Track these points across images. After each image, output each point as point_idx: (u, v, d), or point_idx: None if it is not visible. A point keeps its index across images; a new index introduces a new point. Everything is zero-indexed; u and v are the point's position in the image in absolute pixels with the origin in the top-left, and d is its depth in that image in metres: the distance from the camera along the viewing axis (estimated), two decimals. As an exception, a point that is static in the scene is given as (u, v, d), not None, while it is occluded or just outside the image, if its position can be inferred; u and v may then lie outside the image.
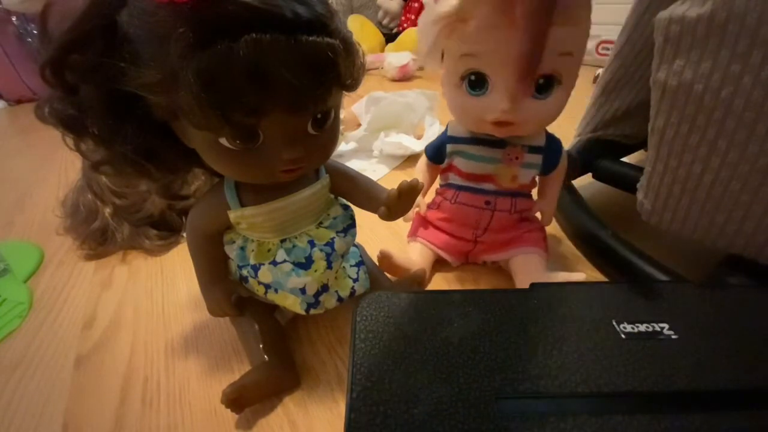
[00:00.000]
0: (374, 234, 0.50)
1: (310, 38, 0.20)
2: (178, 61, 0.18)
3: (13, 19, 1.26)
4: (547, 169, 0.37)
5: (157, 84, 0.20)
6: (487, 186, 0.37)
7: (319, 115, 0.24)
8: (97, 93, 0.21)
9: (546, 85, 0.30)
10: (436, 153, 0.38)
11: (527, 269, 0.38)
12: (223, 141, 0.22)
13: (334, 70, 0.21)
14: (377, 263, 0.39)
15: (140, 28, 0.20)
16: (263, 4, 0.18)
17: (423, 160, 0.40)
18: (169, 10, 0.18)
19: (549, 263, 0.39)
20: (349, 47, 0.23)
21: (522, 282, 0.37)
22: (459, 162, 0.37)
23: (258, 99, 0.20)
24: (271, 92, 0.20)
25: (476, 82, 0.31)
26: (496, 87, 0.30)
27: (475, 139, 0.36)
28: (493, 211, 0.37)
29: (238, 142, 0.22)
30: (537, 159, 0.36)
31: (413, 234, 0.43)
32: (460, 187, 0.38)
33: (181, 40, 0.18)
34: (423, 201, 0.38)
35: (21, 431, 0.30)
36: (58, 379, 0.34)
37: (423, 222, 0.43)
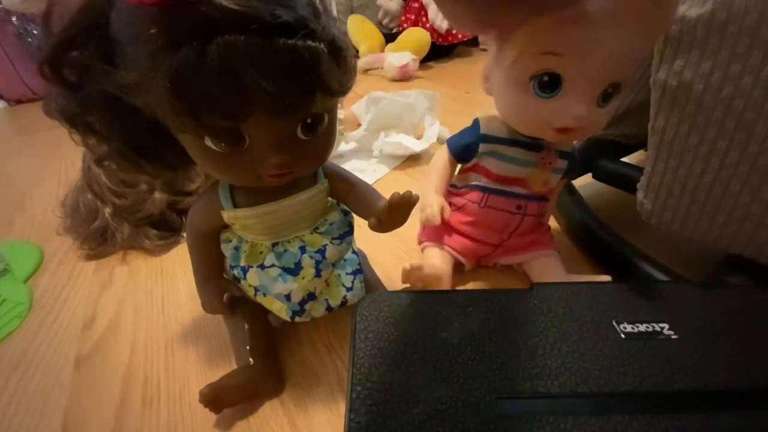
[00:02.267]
0: (377, 236, 0.49)
1: (289, 42, 0.19)
2: (150, 63, 0.18)
3: (13, 19, 1.26)
4: (566, 173, 0.36)
5: (132, 86, 0.20)
6: (518, 190, 0.35)
7: (309, 120, 0.23)
8: (95, 91, 0.21)
9: (611, 93, 0.29)
10: (465, 151, 0.36)
11: (548, 272, 0.37)
12: (209, 143, 0.22)
13: (316, 75, 0.20)
14: (404, 277, 0.35)
15: (120, 29, 0.20)
16: (238, 5, 0.18)
17: (444, 156, 0.37)
18: (141, 11, 0.18)
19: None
20: (337, 51, 0.22)
21: None
22: (490, 163, 0.35)
23: (233, 103, 0.19)
24: (247, 97, 0.19)
25: (549, 84, 0.28)
26: (571, 91, 0.28)
27: (514, 140, 0.34)
28: (523, 215, 0.36)
29: (222, 144, 0.22)
30: (565, 164, 0.35)
31: (432, 238, 0.40)
32: (488, 190, 0.36)
33: (151, 42, 0.18)
34: (447, 206, 0.34)
35: (21, 431, 0.30)
36: (58, 379, 0.34)
37: (443, 226, 0.39)
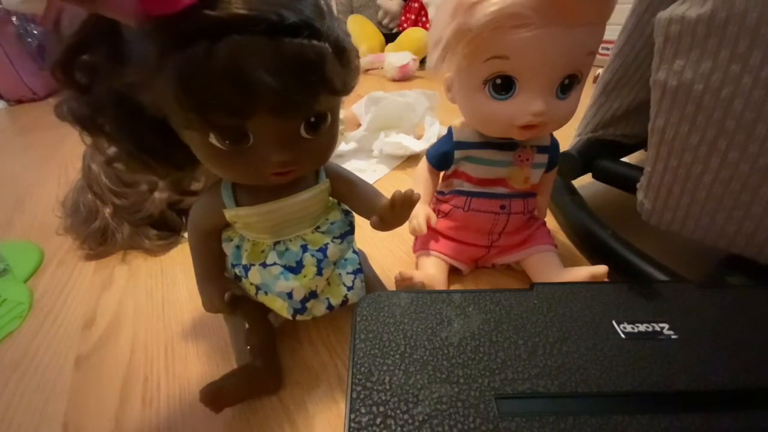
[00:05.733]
0: (377, 236, 0.49)
1: (295, 41, 0.19)
2: (158, 61, 0.19)
3: (13, 19, 1.26)
4: (550, 167, 0.37)
5: (139, 83, 0.20)
6: (500, 190, 0.36)
7: (312, 119, 0.24)
8: (105, 92, 0.21)
9: (569, 84, 0.29)
10: (441, 160, 0.37)
11: (545, 268, 0.37)
12: (213, 140, 0.22)
13: (321, 74, 0.21)
14: (395, 285, 0.36)
15: (128, 29, 0.20)
16: (246, 10, 0.18)
17: (424, 167, 0.38)
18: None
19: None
20: (341, 50, 0.22)
21: (541, 281, 0.36)
22: (469, 168, 0.36)
23: (238, 101, 0.20)
24: (253, 95, 0.20)
25: (502, 86, 0.29)
26: (525, 89, 0.29)
27: (486, 143, 0.34)
28: (508, 214, 0.36)
29: (227, 142, 0.22)
30: (545, 158, 0.36)
31: (424, 247, 0.41)
32: (471, 194, 0.37)
33: (160, 41, 0.18)
34: (432, 213, 0.36)
35: (21, 431, 0.30)
36: (58, 379, 0.34)
37: (432, 233, 0.40)
